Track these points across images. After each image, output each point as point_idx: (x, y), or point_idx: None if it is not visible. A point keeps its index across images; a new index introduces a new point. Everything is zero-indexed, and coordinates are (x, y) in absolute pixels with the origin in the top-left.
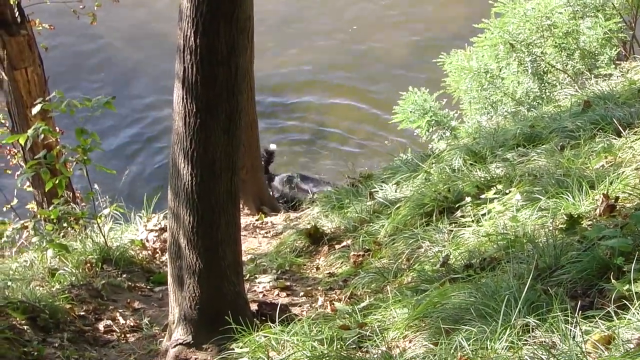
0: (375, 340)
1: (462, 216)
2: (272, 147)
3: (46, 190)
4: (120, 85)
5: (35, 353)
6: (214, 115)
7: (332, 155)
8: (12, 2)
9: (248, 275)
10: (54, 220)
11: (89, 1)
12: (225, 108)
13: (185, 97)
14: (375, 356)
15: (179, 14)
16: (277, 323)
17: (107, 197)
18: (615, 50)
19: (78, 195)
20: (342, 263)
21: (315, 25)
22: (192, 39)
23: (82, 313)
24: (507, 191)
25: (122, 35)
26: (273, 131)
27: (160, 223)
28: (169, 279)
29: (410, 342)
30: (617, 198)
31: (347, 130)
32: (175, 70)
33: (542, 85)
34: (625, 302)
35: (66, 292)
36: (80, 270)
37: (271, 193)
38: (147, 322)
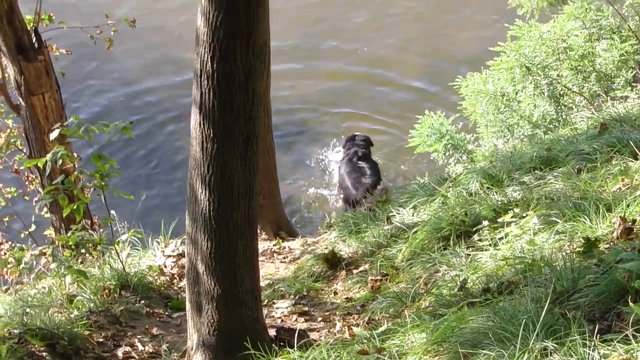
0: None
1: (480, 240)
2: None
3: (64, 216)
4: (138, 110)
5: None
6: (231, 141)
7: None
8: (29, 28)
9: (266, 301)
10: (72, 247)
11: (106, 26)
12: (242, 133)
13: (202, 122)
14: None
15: (195, 39)
16: (295, 348)
17: (124, 222)
18: (632, 72)
19: (96, 221)
20: (359, 288)
21: (330, 50)
22: (209, 64)
23: (101, 339)
24: (524, 214)
25: (140, 60)
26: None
27: (178, 249)
28: (187, 305)
29: None
30: (634, 221)
31: None
32: (192, 96)
33: (559, 107)
34: None
35: (85, 318)
36: (99, 297)
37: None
38: (165, 348)
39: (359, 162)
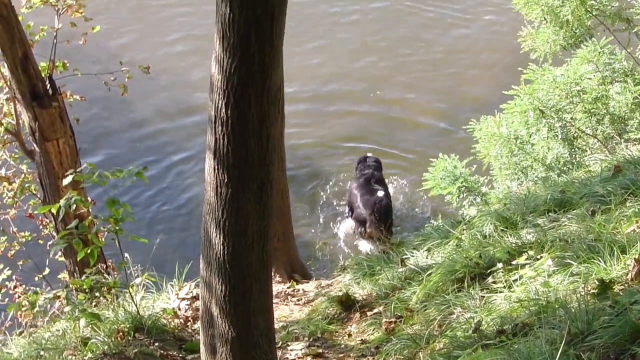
0: None
1: (494, 282)
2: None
3: (78, 259)
4: (152, 154)
5: None
6: (245, 186)
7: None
8: (43, 76)
9: (280, 343)
10: (86, 290)
11: (120, 73)
12: (256, 178)
13: (216, 167)
14: None
15: (209, 86)
16: None
17: (138, 265)
18: None
19: (110, 264)
20: (374, 330)
21: (343, 95)
22: (223, 110)
23: None
24: (539, 257)
25: (154, 107)
26: (303, 199)
27: (192, 291)
28: (202, 347)
29: None
30: None
31: None
32: (206, 141)
33: (572, 150)
34: None
35: None
36: (113, 339)
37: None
38: None
39: (375, 185)
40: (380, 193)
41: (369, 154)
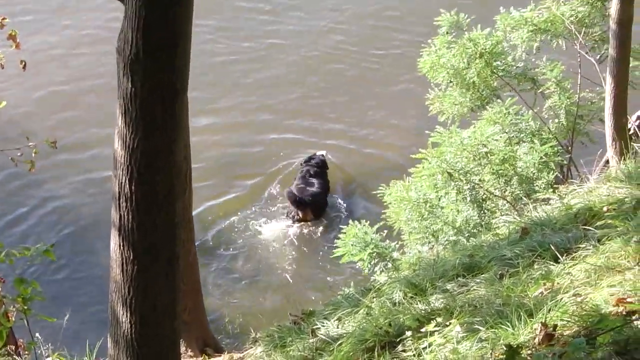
0: None
1: (404, 350)
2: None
3: None
4: (65, 231)
5: None
6: (153, 261)
7: (278, 290)
8: None
9: None
10: None
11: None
12: (163, 253)
13: (122, 244)
14: None
15: (113, 162)
16: None
17: (49, 344)
18: (553, 173)
19: (20, 344)
20: None
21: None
22: (127, 186)
23: None
24: (448, 323)
25: (65, 183)
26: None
27: None
28: None
29: None
30: (555, 326)
31: (290, 268)
32: (111, 218)
33: (482, 212)
34: None
35: None
36: None
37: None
38: None
39: (310, 179)
40: (314, 183)
41: (318, 153)
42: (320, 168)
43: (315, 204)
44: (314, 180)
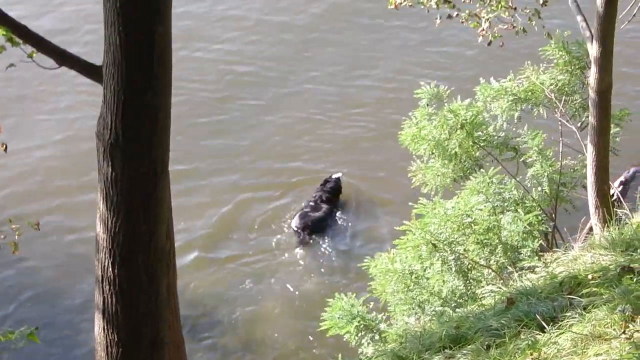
0: None
1: None
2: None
3: None
4: (47, 310)
5: None
6: (137, 344)
7: None
8: None
9: None
10: None
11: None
12: (147, 335)
13: (105, 327)
14: None
15: (95, 245)
16: None
17: None
18: (537, 241)
19: None
20: None
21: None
22: (110, 269)
23: None
24: None
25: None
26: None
27: None
28: None
29: None
30: None
31: (276, 341)
32: (94, 301)
33: (467, 282)
34: None
35: None
36: None
37: None
38: None
39: (322, 204)
40: (321, 208)
41: (334, 175)
42: (332, 194)
43: (313, 230)
44: (323, 206)
